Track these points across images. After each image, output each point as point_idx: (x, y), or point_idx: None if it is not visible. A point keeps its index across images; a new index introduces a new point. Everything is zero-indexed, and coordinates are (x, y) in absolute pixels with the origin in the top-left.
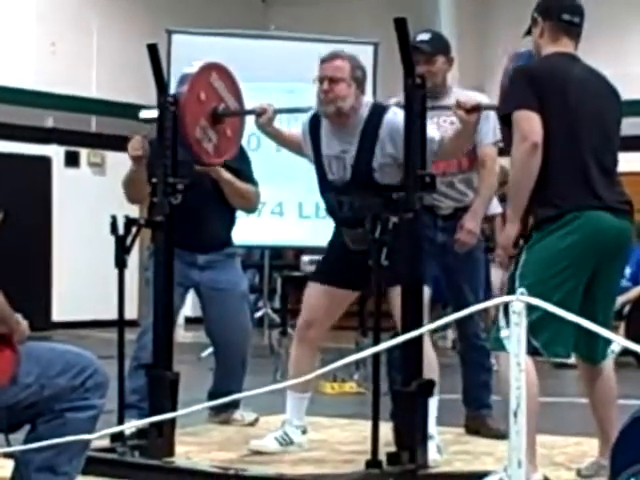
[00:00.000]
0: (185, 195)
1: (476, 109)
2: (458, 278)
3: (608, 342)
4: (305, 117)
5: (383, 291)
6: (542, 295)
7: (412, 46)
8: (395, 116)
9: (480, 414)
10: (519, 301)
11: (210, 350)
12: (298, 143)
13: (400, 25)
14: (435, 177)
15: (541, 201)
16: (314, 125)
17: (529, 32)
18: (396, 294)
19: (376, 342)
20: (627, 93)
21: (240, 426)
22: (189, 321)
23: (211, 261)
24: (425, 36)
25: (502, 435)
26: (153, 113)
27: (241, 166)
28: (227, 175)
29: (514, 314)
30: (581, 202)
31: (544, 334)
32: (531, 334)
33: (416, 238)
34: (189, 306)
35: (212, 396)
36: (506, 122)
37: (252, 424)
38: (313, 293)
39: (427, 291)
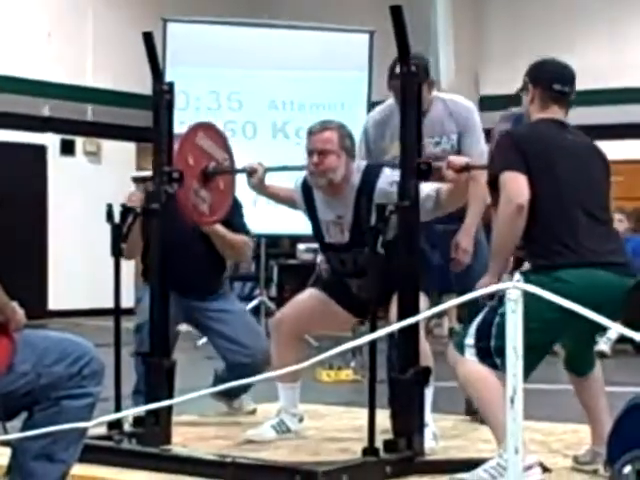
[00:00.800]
0: (175, 245)
1: (465, 169)
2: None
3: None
4: (298, 178)
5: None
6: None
7: (392, 77)
8: (387, 182)
9: None
10: (515, 289)
11: (205, 339)
12: (290, 198)
13: (396, 13)
14: (431, 165)
15: (532, 248)
16: (307, 190)
17: (521, 91)
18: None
19: (372, 330)
20: (626, 81)
21: (238, 414)
22: None
23: (203, 303)
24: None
25: None
26: (144, 173)
27: (232, 216)
28: (218, 229)
29: (510, 301)
30: (572, 259)
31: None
32: (497, 356)
33: (413, 225)
34: None
35: (218, 381)
36: (493, 185)
37: (250, 413)
38: (305, 294)
39: (424, 300)
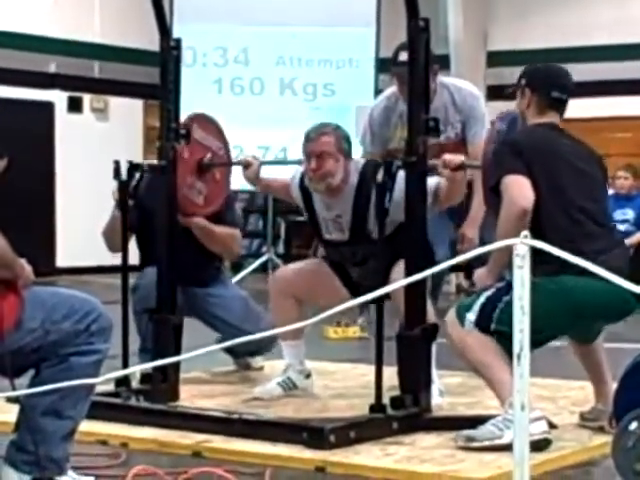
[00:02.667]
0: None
1: (461, 167)
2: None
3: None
4: (296, 174)
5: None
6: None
7: (396, 64)
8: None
9: None
10: (523, 244)
11: None
12: (286, 190)
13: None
14: (438, 121)
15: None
16: (305, 189)
17: (513, 93)
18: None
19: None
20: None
21: (245, 371)
22: None
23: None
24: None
25: None
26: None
27: (224, 210)
28: (204, 224)
29: (517, 257)
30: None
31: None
32: (497, 338)
33: (420, 181)
34: None
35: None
36: (495, 192)
37: (258, 370)
38: (309, 261)
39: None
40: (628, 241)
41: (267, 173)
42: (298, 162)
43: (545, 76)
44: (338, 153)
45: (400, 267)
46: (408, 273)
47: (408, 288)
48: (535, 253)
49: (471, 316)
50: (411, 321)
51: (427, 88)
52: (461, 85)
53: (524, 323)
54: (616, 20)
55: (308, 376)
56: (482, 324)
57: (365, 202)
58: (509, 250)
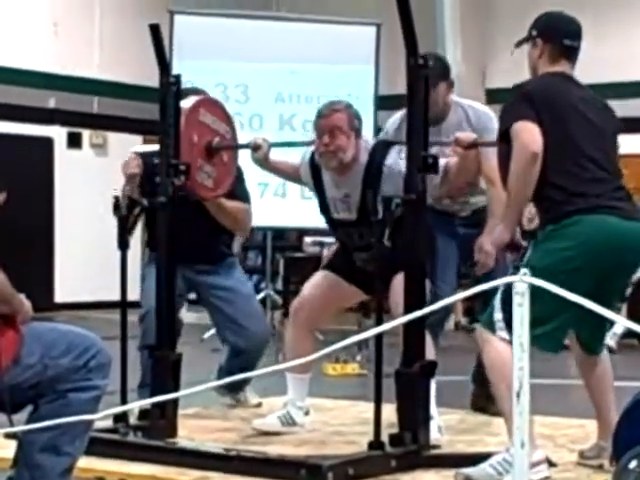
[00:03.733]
0: (176, 213)
1: (473, 146)
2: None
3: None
4: (306, 153)
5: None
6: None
7: None
8: (396, 161)
9: (488, 392)
10: (522, 282)
11: (212, 331)
12: (296, 173)
13: (402, 5)
14: (437, 158)
15: (543, 206)
16: (315, 167)
17: (521, 43)
18: (395, 280)
19: (378, 323)
20: (632, 74)
21: (243, 408)
22: (191, 302)
23: (211, 270)
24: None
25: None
26: (146, 148)
27: (234, 185)
28: (216, 199)
29: (517, 295)
30: (582, 205)
31: (541, 327)
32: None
33: (419, 219)
34: None
35: (222, 374)
36: (505, 139)
37: (255, 407)
38: (317, 277)
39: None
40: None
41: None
42: (308, 143)
43: (557, 24)
44: (350, 130)
45: (400, 280)
46: (407, 310)
47: (407, 325)
48: (541, 199)
49: (498, 315)
50: (410, 358)
51: (426, 125)
52: (475, 105)
53: (524, 360)
54: (612, 59)
55: (307, 413)
56: (509, 317)
57: (374, 185)
58: (522, 197)
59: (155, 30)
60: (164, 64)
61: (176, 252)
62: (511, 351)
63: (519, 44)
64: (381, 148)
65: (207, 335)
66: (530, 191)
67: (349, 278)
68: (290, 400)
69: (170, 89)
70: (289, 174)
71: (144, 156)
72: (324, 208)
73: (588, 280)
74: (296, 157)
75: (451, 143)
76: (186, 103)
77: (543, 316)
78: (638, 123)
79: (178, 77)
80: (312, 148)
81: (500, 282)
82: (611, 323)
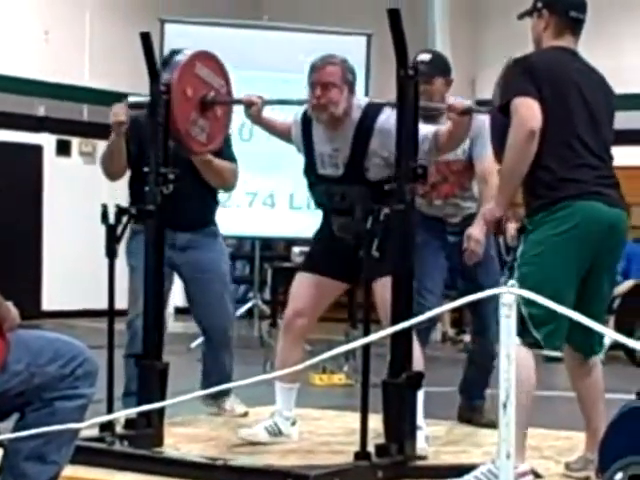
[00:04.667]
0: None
1: (467, 112)
2: (473, 277)
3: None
4: (298, 111)
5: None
6: (538, 286)
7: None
8: (388, 119)
9: (474, 404)
10: (509, 293)
11: (199, 340)
12: (287, 132)
13: (393, 16)
14: (427, 169)
15: (533, 190)
16: (306, 122)
17: (525, 15)
18: (380, 286)
19: (366, 334)
20: (621, 87)
21: (230, 417)
22: (179, 311)
23: (192, 241)
24: (426, 57)
25: (494, 425)
26: (140, 99)
27: (222, 146)
28: (205, 155)
29: (504, 306)
30: (572, 191)
31: (546, 327)
32: (533, 326)
33: (407, 230)
34: (179, 296)
35: (205, 387)
36: (504, 112)
37: (242, 416)
38: (301, 283)
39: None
40: (614, 291)
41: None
42: (302, 102)
43: None
44: (342, 84)
45: (386, 282)
46: (394, 320)
47: (394, 335)
48: (529, 185)
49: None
50: (397, 368)
51: (416, 135)
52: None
53: (510, 372)
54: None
55: (294, 423)
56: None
57: (364, 142)
58: (517, 174)
59: (146, 38)
60: (154, 72)
61: (167, 214)
62: (530, 356)
63: (522, 16)
64: (374, 106)
65: (194, 344)
66: (525, 168)
67: (329, 271)
68: (277, 410)
69: (160, 97)
70: (281, 132)
71: (133, 107)
72: (311, 164)
73: (580, 264)
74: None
75: (444, 107)
76: (182, 56)
77: (546, 317)
78: (627, 135)
79: (168, 85)
80: (305, 106)
81: (488, 294)
82: (608, 311)
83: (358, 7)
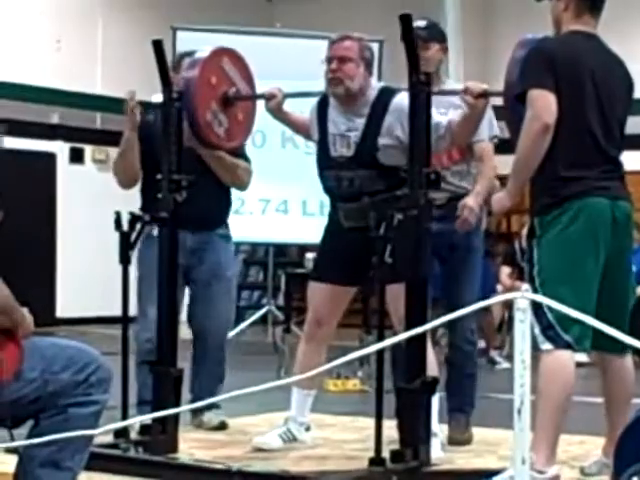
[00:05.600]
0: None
1: (483, 95)
2: (455, 270)
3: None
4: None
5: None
6: (562, 288)
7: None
8: (404, 99)
9: (452, 415)
10: (524, 298)
11: None
12: (307, 127)
13: (405, 21)
14: (440, 174)
15: (541, 185)
16: (322, 105)
17: None
18: (393, 290)
19: (380, 339)
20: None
21: (206, 429)
22: None
23: (202, 242)
24: (421, 23)
25: (459, 442)
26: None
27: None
28: (218, 151)
29: (518, 311)
30: (579, 188)
31: (575, 328)
32: (562, 329)
33: (421, 235)
34: None
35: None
36: (521, 100)
37: (219, 428)
38: (316, 292)
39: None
40: None
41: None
42: (323, 94)
43: None
44: (359, 59)
45: (399, 288)
46: (408, 326)
47: (408, 341)
48: (536, 182)
49: (535, 330)
50: (411, 374)
51: (429, 143)
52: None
53: (525, 377)
54: None
55: (308, 429)
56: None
57: (379, 120)
58: (528, 167)
59: (158, 46)
60: (167, 80)
61: (179, 214)
62: (565, 358)
63: None
64: (390, 88)
65: None
66: (538, 160)
67: (338, 278)
68: (292, 417)
69: (173, 104)
70: (299, 126)
71: (149, 107)
72: (323, 147)
73: (596, 259)
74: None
75: (460, 91)
76: (205, 52)
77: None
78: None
79: (181, 93)
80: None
81: (502, 299)
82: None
83: (370, 13)
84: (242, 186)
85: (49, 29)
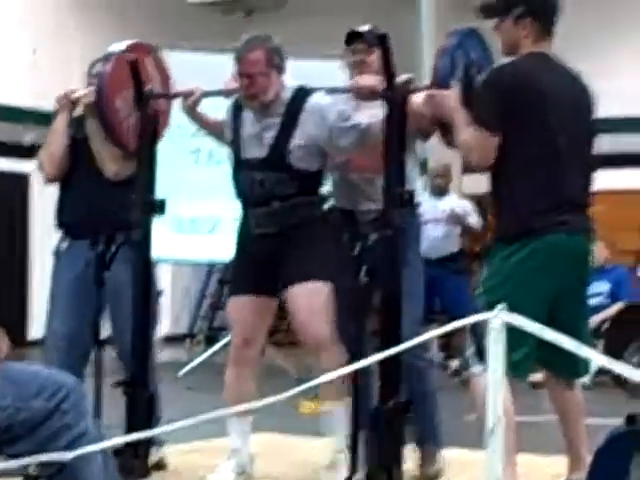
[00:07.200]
0: (72, 176)
1: (374, 91)
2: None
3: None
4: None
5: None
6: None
7: (351, 33)
8: (319, 99)
9: (422, 447)
10: (498, 318)
11: (188, 368)
12: (221, 128)
13: (383, 41)
14: (413, 194)
15: (502, 213)
16: (237, 107)
17: (491, 15)
18: (297, 293)
19: (353, 359)
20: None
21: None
22: (167, 340)
23: (112, 252)
24: (364, 28)
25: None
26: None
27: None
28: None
29: (493, 331)
30: (542, 224)
31: (516, 354)
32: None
33: (395, 255)
34: (167, 324)
35: None
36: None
37: (157, 467)
38: (237, 308)
39: None
40: (602, 315)
41: None
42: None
43: (548, 1)
44: (269, 69)
45: (311, 289)
46: (384, 346)
47: (382, 362)
48: (498, 207)
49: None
50: (386, 395)
51: (402, 159)
52: None
53: (497, 398)
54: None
55: (252, 459)
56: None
57: (293, 120)
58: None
59: (133, 65)
60: (142, 99)
61: (69, 217)
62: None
63: (489, 16)
64: (305, 88)
65: (182, 373)
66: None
67: (255, 287)
68: (235, 449)
69: (150, 123)
70: (214, 126)
71: None
72: (236, 148)
73: (545, 295)
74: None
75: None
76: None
77: (516, 341)
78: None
79: (157, 112)
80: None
81: (476, 319)
82: (597, 335)
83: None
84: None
85: (24, 49)
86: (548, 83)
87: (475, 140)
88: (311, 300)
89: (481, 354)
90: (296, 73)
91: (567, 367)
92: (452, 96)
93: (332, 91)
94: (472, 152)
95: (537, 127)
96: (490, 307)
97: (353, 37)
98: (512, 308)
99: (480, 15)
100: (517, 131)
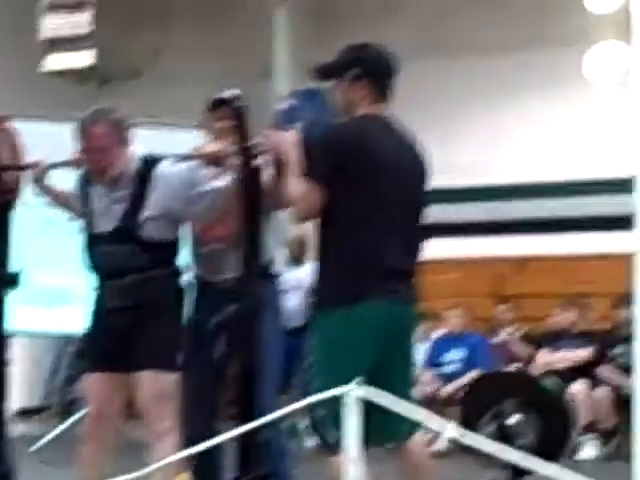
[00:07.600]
0: None
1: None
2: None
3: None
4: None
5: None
6: (328, 386)
7: (217, 101)
8: (166, 168)
9: None
10: (354, 393)
11: (41, 443)
12: (69, 202)
13: (237, 109)
14: (272, 263)
15: (326, 281)
16: (85, 180)
17: (327, 77)
18: (143, 379)
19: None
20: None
21: None
22: (19, 413)
23: None
24: (229, 94)
25: None
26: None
27: None
28: None
29: (348, 405)
30: (363, 291)
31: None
32: (336, 428)
33: (255, 325)
34: (20, 397)
35: None
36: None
37: None
38: (91, 384)
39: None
40: (458, 382)
41: None
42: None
43: (381, 61)
44: (114, 142)
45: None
46: (243, 420)
47: (243, 435)
48: (321, 274)
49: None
50: (243, 468)
51: (258, 230)
52: None
53: (357, 472)
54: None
55: None
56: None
57: (142, 191)
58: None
59: None
60: None
61: None
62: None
63: (325, 78)
64: (153, 157)
65: (35, 447)
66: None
67: (107, 363)
68: None
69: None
70: (63, 200)
71: None
72: (86, 223)
73: (368, 361)
74: None
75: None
76: None
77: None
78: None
79: (7, 182)
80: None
81: (334, 393)
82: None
83: (200, 101)
84: None
85: None
86: (381, 146)
87: (301, 191)
88: (155, 388)
89: (315, 427)
90: (151, 142)
91: (391, 435)
92: (290, 137)
93: (178, 158)
94: (298, 202)
95: (366, 188)
96: (323, 379)
97: (217, 104)
98: (339, 377)
99: (316, 77)
100: (346, 191)
